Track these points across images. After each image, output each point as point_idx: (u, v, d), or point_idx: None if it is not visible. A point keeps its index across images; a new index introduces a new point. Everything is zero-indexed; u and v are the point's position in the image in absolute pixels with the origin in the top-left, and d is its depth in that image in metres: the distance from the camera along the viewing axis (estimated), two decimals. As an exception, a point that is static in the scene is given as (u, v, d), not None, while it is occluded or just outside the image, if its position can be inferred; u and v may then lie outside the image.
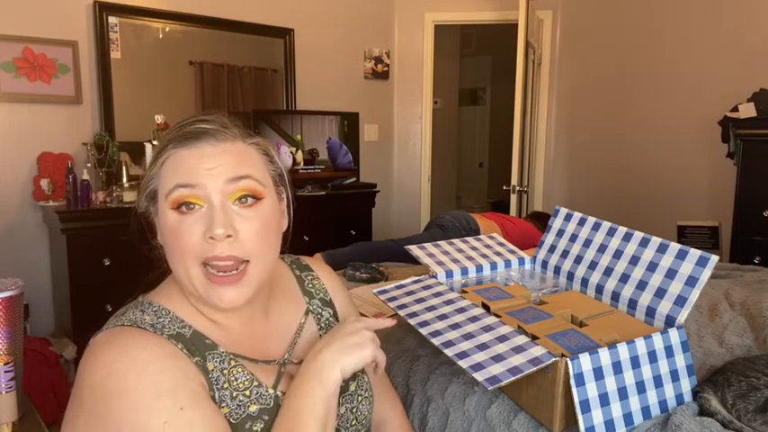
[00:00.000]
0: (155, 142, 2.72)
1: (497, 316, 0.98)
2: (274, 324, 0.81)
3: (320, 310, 0.88)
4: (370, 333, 0.74)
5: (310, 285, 0.90)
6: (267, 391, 0.72)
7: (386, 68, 3.97)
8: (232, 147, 0.72)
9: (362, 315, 1.45)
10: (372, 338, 0.73)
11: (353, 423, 0.80)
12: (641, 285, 1.02)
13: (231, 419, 0.68)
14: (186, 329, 0.71)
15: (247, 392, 0.70)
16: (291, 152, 3.33)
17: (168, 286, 0.76)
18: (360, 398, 0.81)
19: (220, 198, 0.69)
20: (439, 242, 1.35)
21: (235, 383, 0.70)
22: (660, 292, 0.98)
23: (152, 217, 0.75)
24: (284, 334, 0.81)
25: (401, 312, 1.02)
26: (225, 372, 0.70)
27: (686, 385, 0.91)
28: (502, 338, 0.88)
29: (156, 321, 0.70)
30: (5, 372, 0.92)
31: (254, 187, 0.71)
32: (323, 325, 0.87)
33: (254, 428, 0.69)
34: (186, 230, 0.68)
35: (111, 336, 0.67)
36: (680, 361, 0.91)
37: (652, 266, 1.01)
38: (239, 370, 0.71)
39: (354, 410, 0.80)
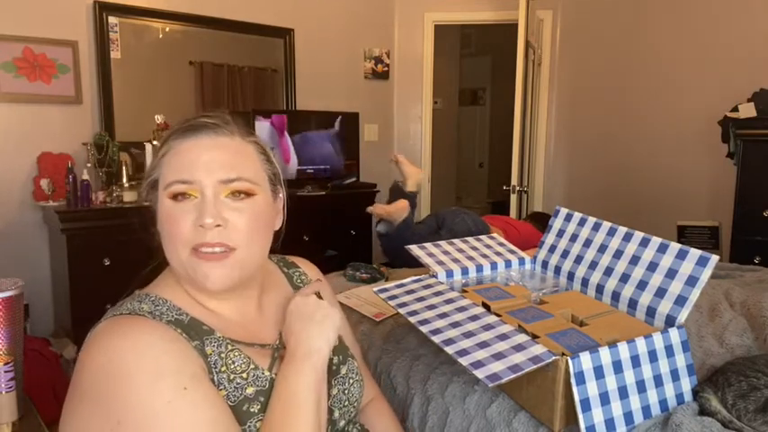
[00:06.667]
0: (155, 142, 2.72)
1: (498, 315, 0.98)
2: (267, 316, 0.84)
3: None
4: (324, 301, 0.80)
5: (299, 281, 0.95)
6: (263, 374, 0.74)
7: (386, 68, 3.97)
8: (230, 142, 0.76)
9: (363, 315, 1.45)
10: (327, 303, 0.79)
11: (345, 404, 0.84)
12: (641, 285, 1.02)
13: (229, 402, 0.70)
14: (184, 316, 0.73)
15: (244, 375, 0.72)
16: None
17: (165, 278, 0.79)
18: (351, 380, 0.86)
19: (213, 191, 0.72)
20: (439, 242, 1.36)
21: (232, 366, 0.72)
22: (660, 292, 0.98)
23: (154, 206, 0.78)
24: (276, 323, 0.84)
25: (401, 311, 1.02)
26: (222, 356, 0.72)
27: (686, 385, 0.91)
28: (502, 337, 0.88)
29: (153, 309, 0.72)
30: (5, 372, 0.92)
31: (245, 188, 0.74)
32: None
33: (252, 410, 0.71)
34: (180, 217, 0.72)
35: (110, 324, 0.69)
36: (680, 360, 0.91)
37: (652, 266, 1.01)
38: (236, 353, 0.73)
39: (346, 392, 0.84)
